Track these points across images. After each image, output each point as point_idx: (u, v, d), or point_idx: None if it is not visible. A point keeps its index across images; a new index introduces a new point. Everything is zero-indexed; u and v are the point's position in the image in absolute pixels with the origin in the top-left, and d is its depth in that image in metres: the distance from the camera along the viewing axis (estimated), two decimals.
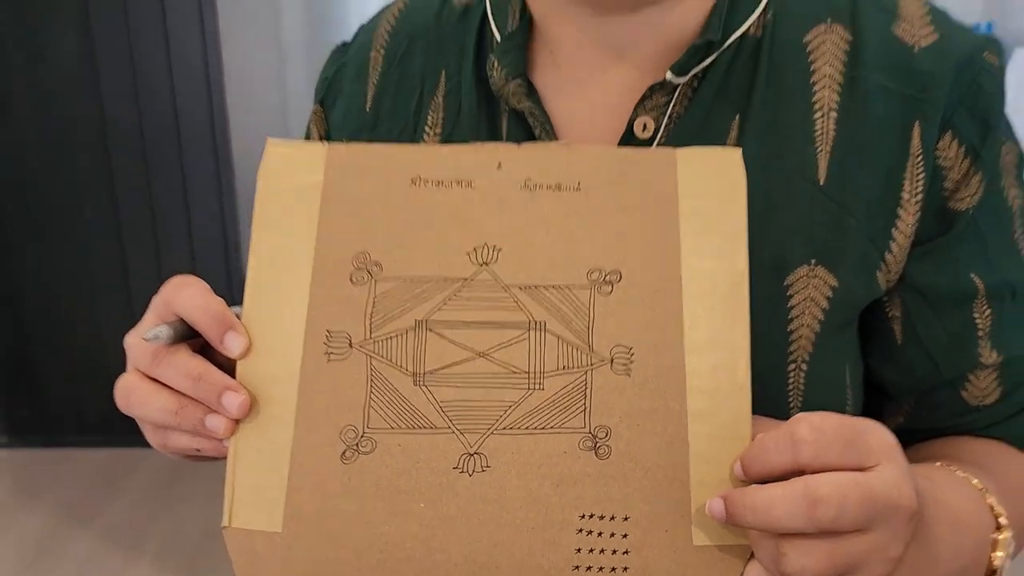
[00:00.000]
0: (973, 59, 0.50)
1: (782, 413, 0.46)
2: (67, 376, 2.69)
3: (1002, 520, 0.47)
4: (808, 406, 0.49)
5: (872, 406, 0.57)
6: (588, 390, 0.40)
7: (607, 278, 0.42)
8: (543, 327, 0.41)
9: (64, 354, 2.67)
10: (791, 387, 0.50)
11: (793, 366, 0.50)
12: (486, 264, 0.42)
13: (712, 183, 0.43)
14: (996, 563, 0.47)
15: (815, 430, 0.37)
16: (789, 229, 0.49)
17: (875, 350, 0.54)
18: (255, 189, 0.44)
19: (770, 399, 0.46)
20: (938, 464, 0.50)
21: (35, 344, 2.66)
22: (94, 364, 2.66)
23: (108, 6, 2.35)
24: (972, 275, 0.51)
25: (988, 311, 0.52)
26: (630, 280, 0.42)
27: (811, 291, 0.50)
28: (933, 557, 0.42)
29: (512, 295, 0.42)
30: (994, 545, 0.47)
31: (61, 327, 2.65)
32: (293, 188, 0.44)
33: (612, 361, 0.41)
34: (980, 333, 0.52)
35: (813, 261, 0.49)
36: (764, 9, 0.51)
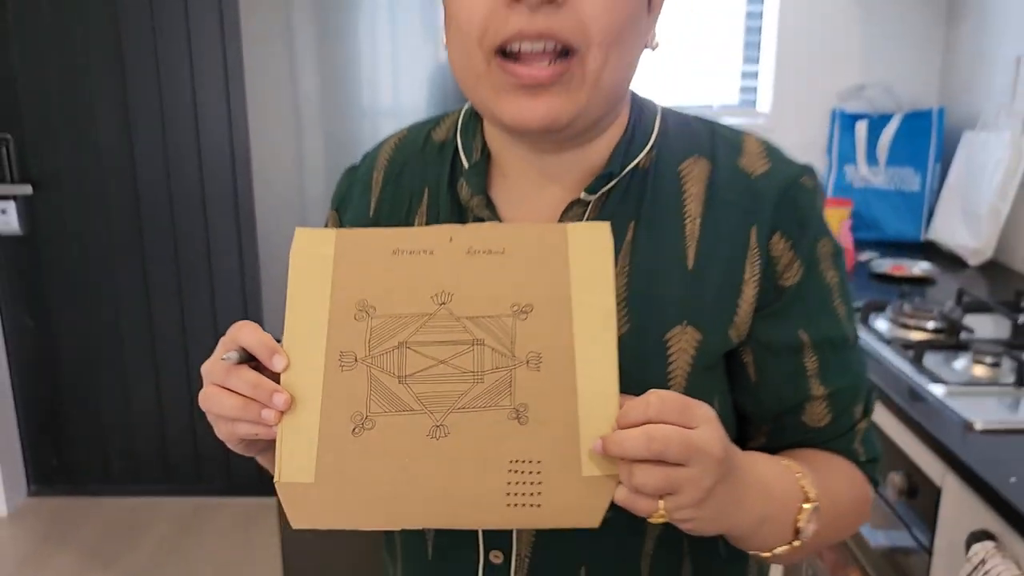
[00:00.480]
0: (792, 183, 0.70)
1: None
2: (93, 429, 2.85)
3: (810, 495, 0.65)
4: None
5: (743, 433, 0.75)
6: (512, 381, 0.58)
7: (523, 310, 0.60)
8: (482, 342, 0.59)
9: (92, 409, 2.83)
10: None
11: None
12: (444, 304, 0.61)
13: (590, 246, 0.62)
14: (800, 524, 0.65)
15: (660, 399, 0.55)
16: (667, 300, 0.68)
17: (737, 387, 0.72)
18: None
19: None
20: (771, 455, 0.69)
21: (65, 399, 2.83)
22: (119, 418, 2.83)
23: (146, 93, 2.59)
24: (800, 332, 0.70)
25: (814, 357, 0.71)
26: (538, 311, 0.60)
27: (683, 343, 0.67)
28: (740, 501, 0.60)
29: (461, 323, 0.60)
30: (799, 511, 0.65)
31: (91, 384, 2.81)
32: (314, 258, 0.63)
33: (527, 362, 0.59)
34: (810, 373, 0.71)
35: (685, 322, 0.67)
36: (651, 148, 0.71)
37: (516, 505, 0.56)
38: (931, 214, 2.30)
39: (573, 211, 0.70)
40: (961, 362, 1.41)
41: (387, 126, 2.09)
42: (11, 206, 2.61)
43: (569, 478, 0.56)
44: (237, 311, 2.74)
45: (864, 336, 1.57)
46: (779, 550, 0.65)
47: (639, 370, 0.63)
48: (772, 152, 0.72)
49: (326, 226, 0.84)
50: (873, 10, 2.42)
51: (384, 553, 0.84)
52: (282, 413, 0.59)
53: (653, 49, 0.70)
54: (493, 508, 0.57)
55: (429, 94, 2.07)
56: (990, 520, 1.06)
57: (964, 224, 2.15)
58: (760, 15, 2.52)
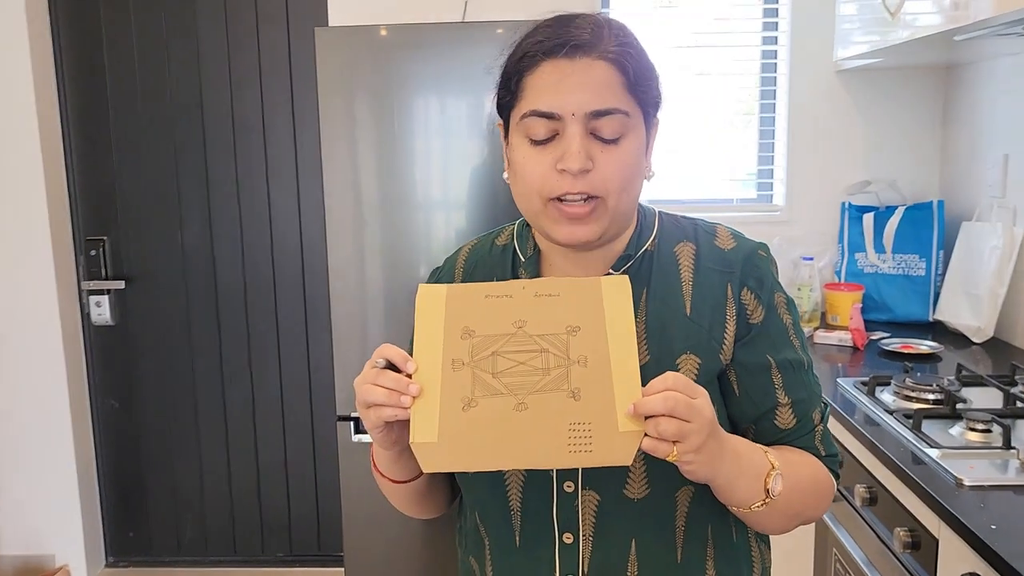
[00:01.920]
0: (752, 254, 0.98)
1: None
2: (168, 504, 3.08)
3: (775, 464, 0.89)
4: None
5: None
6: (568, 374, 0.82)
7: (574, 329, 0.85)
8: (547, 351, 0.83)
9: (167, 485, 3.07)
10: None
11: None
12: (521, 327, 0.85)
13: (616, 290, 0.88)
14: (768, 485, 0.89)
15: (674, 376, 0.79)
16: (675, 337, 0.94)
17: (727, 398, 0.97)
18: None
19: None
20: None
21: (144, 476, 3.07)
22: (192, 495, 3.07)
23: (226, 201, 2.92)
24: (767, 355, 0.96)
25: (779, 375, 0.97)
26: (584, 330, 0.85)
27: (689, 366, 0.93)
28: (721, 457, 0.83)
29: (533, 339, 0.84)
30: (768, 475, 0.89)
31: (167, 462, 3.06)
32: (433, 302, 0.89)
33: (578, 362, 0.82)
34: (777, 386, 0.97)
35: (688, 351, 0.94)
36: (654, 238, 1.00)
37: (575, 451, 0.79)
38: (937, 297, 2.51)
39: None
40: (957, 429, 1.60)
41: (438, 217, 2.35)
42: (105, 300, 2.92)
43: (610, 432, 0.79)
44: (303, 394, 3.00)
45: (869, 406, 1.78)
46: (755, 506, 0.89)
47: None
48: (736, 235, 1.02)
49: None
50: (875, 115, 2.69)
51: (467, 560, 1.05)
52: (415, 399, 0.82)
53: (649, 179, 0.98)
54: (560, 454, 0.79)
55: (472, 188, 2.33)
56: (977, 563, 1.24)
57: (967, 305, 2.35)
58: (773, 120, 2.81)
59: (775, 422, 0.97)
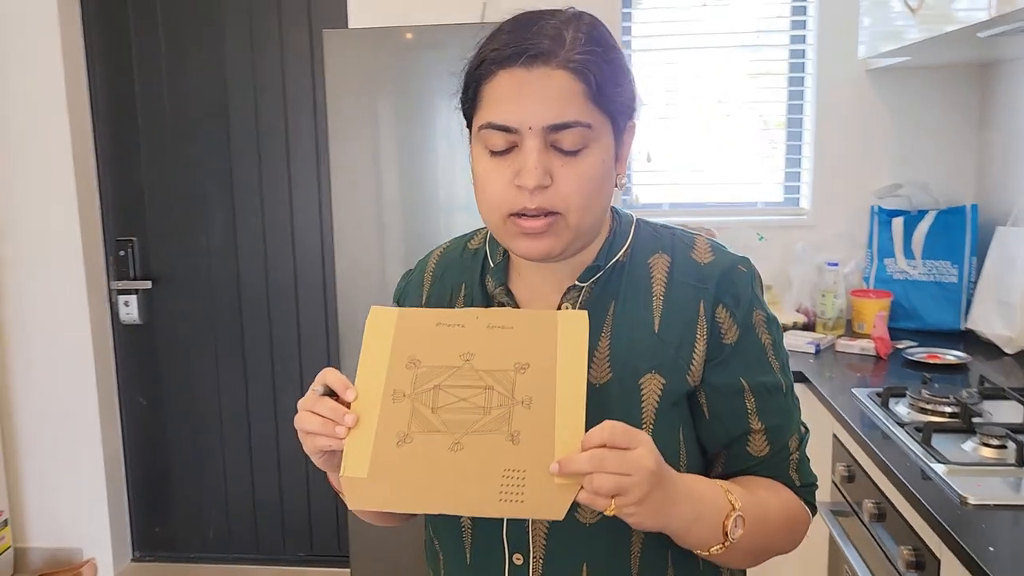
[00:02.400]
0: (730, 269, 0.92)
1: None
2: (193, 502, 3.13)
3: (735, 505, 0.84)
4: None
5: (707, 464, 0.94)
6: (511, 415, 0.77)
7: (523, 367, 0.81)
8: (492, 388, 0.79)
9: (192, 483, 3.12)
10: None
11: (643, 429, 0.86)
12: (468, 360, 0.81)
13: (572, 327, 0.84)
14: (727, 528, 0.83)
15: (611, 427, 0.74)
16: (640, 355, 0.89)
17: (695, 422, 0.92)
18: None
19: None
20: (704, 477, 0.88)
21: (170, 473, 3.12)
22: (216, 493, 3.11)
23: (249, 204, 2.95)
24: (740, 378, 0.90)
25: (752, 399, 0.91)
26: (533, 368, 0.81)
27: (652, 387, 0.88)
28: (673, 504, 0.78)
29: (479, 374, 0.80)
30: (727, 517, 0.83)
31: (192, 460, 3.10)
32: (382, 327, 0.86)
33: (522, 403, 0.78)
34: (750, 411, 0.91)
35: (653, 371, 0.88)
36: (627, 248, 0.95)
37: (506, 500, 0.75)
38: (969, 304, 2.40)
39: (570, 294, 0.93)
40: (970, 444, 1.52)
41: (459, 220, 2.33)
42: (133, 299, 2.98)
43: (544, 483, 0.74)
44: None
45: (882, 418, 1.70)
46: (714, 549, 0.84)
47: (621, 406, 0.84)
48: (716, 247, 0.95)
49: None
50: (906, 116, 2.58)
51: (428, 571, 1.03)
52: (350, 429, 0.79)
53: (620, 187, 0.93)
54: (489, 503, 0.75)
55: None
56: None
57: (999, 314, 2.24)
58: (800, 122, 2.72)
59: (747, 448, 0.92)
